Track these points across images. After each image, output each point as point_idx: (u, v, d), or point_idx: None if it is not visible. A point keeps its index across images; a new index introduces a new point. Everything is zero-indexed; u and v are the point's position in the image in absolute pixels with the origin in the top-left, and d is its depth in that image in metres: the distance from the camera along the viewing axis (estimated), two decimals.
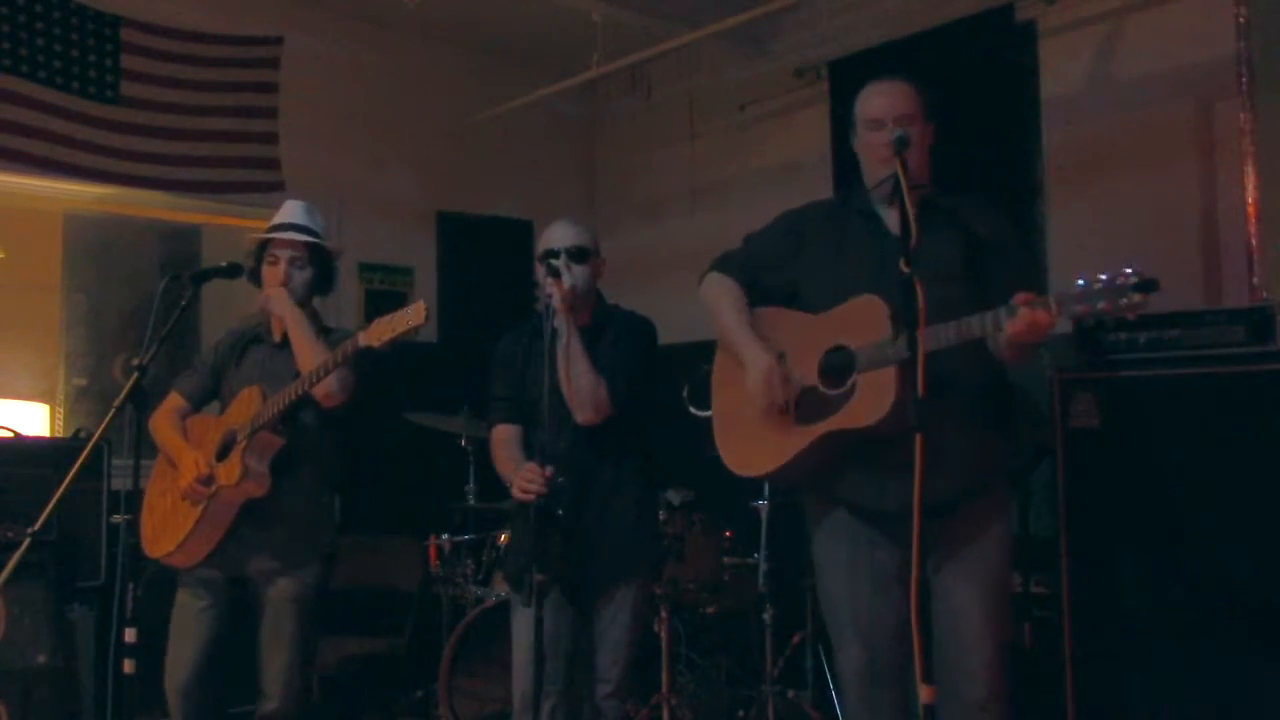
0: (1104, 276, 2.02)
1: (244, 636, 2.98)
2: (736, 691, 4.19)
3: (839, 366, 2.43)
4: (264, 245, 3.08)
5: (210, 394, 3.16)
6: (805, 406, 2.47)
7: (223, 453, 2.94)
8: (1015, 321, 2.15)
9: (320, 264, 3.12)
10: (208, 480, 2.90)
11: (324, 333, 3.09)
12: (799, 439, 2.47)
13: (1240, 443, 3.05)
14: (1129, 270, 1.99)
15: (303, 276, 3.07)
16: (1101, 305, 2.03)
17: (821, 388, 2.45)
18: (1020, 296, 2.15)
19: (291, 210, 3.14)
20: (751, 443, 2.58)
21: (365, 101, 5.50)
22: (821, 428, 2.42)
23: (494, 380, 3.06)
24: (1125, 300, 1.99)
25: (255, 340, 3.14)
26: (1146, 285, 1.98)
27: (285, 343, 3.06)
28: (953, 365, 2.32)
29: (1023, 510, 3.72)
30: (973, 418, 2.44)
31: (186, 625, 2.95)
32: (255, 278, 3.12)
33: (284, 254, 3.05)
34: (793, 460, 2.48)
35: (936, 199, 2.53)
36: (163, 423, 3.09)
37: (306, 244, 3.07)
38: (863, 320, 2.38)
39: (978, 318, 2.22)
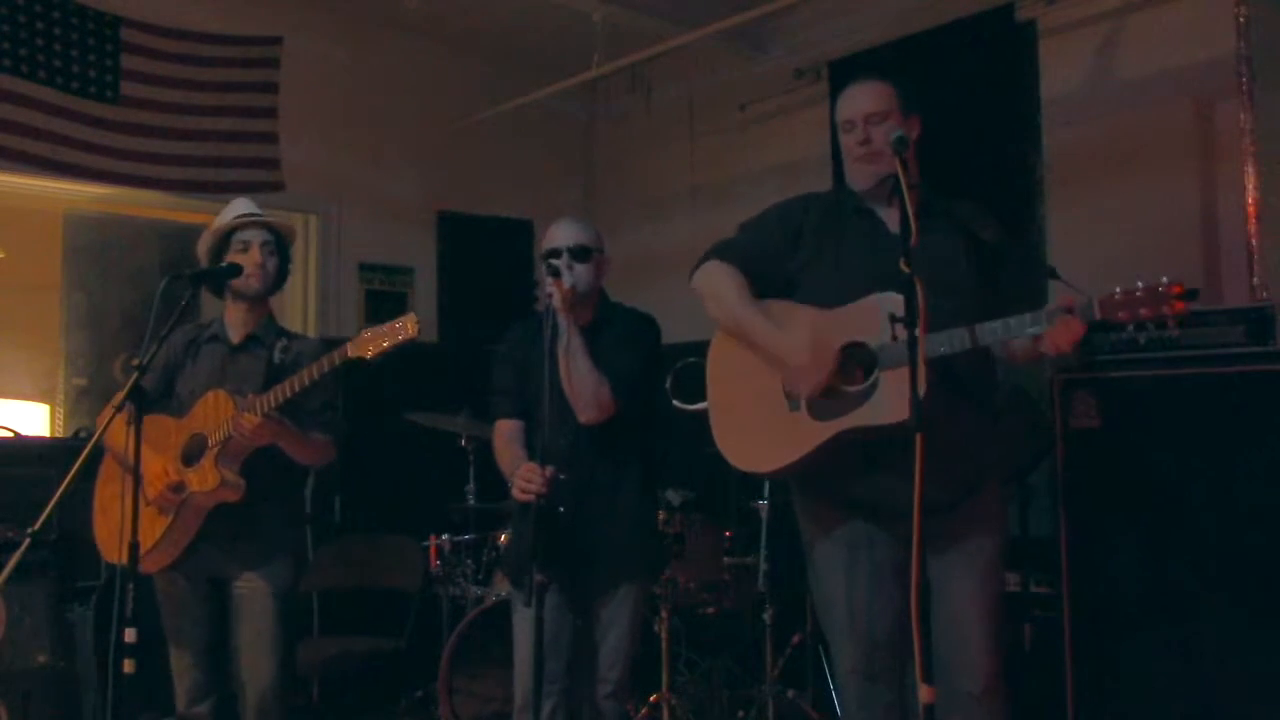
0: (1142, 284, 2.09)
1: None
2: (736, 691, 4.19)
3: (857, 363, 2.40)
4: (226, 239, 3.03)
5: (162, 394, 3.08)
6: (821, 401, 2.43)
7: (188, 458, 2.88)
8: (1061, 324, 2.17)
9: (281, 256, 3.09)
10: (178, 488, 2.86)
11: (282, 335, 3.08)
12: (816, 434, 2.42)
13: (1240, 443, 3.05)
14: (1166, 279, 2.07)
15: (273, 263, 3.05)
16: (1144, 311, 2.08)
17: (839, 383, 2.42)
18: (1062, 299, 2.17)
19: (246, 204, 3.13)
20: (758, 437, 2.55)
21: (365, 101, 5.50)
22: (841, 423, 2.39)
23: (497, 375, 3.06)
24: (1167, 307, 2.06)
25: (211, 340, 3.08)
26: (1189, 294, 2.07)
27: (245, 344, 3.04)
28: (957, 365, 2.32)
29: (1023, 510, 3.72)
30: (973, 418, 2.45)
31: (181, 642, 2.94)
32: (216, 284, 3.05)
33: (256, 238, 3.01)
34: (806, 456, 2.44)
35: (933, 201, 2.53)
36: (117, 426, 2.92)
37: (273, 232, 3.06)
38: (883, 318, 2.33)
39: (1016, 318, 2.22)
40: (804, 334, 2.44)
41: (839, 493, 2.51)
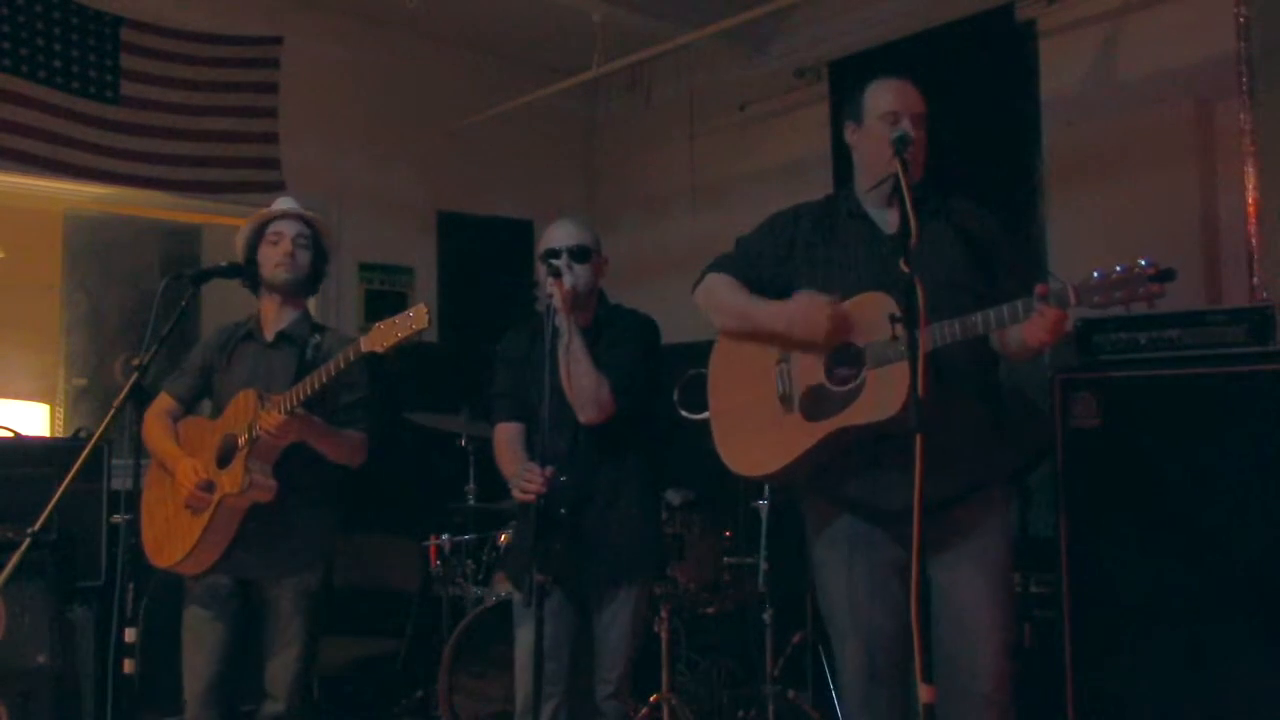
0: (1120, 268, 2.06)
1: (252, 639, 2.97)
2: (736, 691, 4.19)
3: (846, 363, 2.42)
4: (260, 231, 3.05)
5: (200, 394, 3.10)
6: (812, 403, 2.46)
7: (223, 459, 2.89)
8: (1041, 312, 2.15)
9: (317, 252, 3.10)
10: (208, 486, 2.85)
11: (316, 331, 3.08)
12: (807, 436, 2.45)
13: (1240, 443, 3.05)
14: (1143, 261, 2.03)
15: (306, 256, 3.05)
16: (1120, 295, 2.06)
17: (829, 384, 2.44)
18: (1040, 288, 2.16)
19: (287, 201, 3.14)
20: (755, 441, 2.57)
21: (365, 101, 5.50)
22: (831, 424, 2.41)
23: (497, 378, 3.06)
24: (1143, 289, 2.03)
25: (246, 338, 3.09)
26: (1164, 275, 2.03)
27: (277, 341, 3.04)
28: (956, 362, 2.32)
29: (1023, 510, 3.71)
30: (974, 415, 2.45)
31: (200, 639, 2.93)
32: (251, 278, 3.06)
33: (289, 229, 3.03)
34: (800, 458, 2.46)
35: (929, 199, 2.53)
36: (155, 428, 3.00)
37: (309, 225, 3.07)
38: (869, 318, 2.37)
39: (996, 309, 2.22)
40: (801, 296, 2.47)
41: (838, 492, 2.52)
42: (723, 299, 2.65)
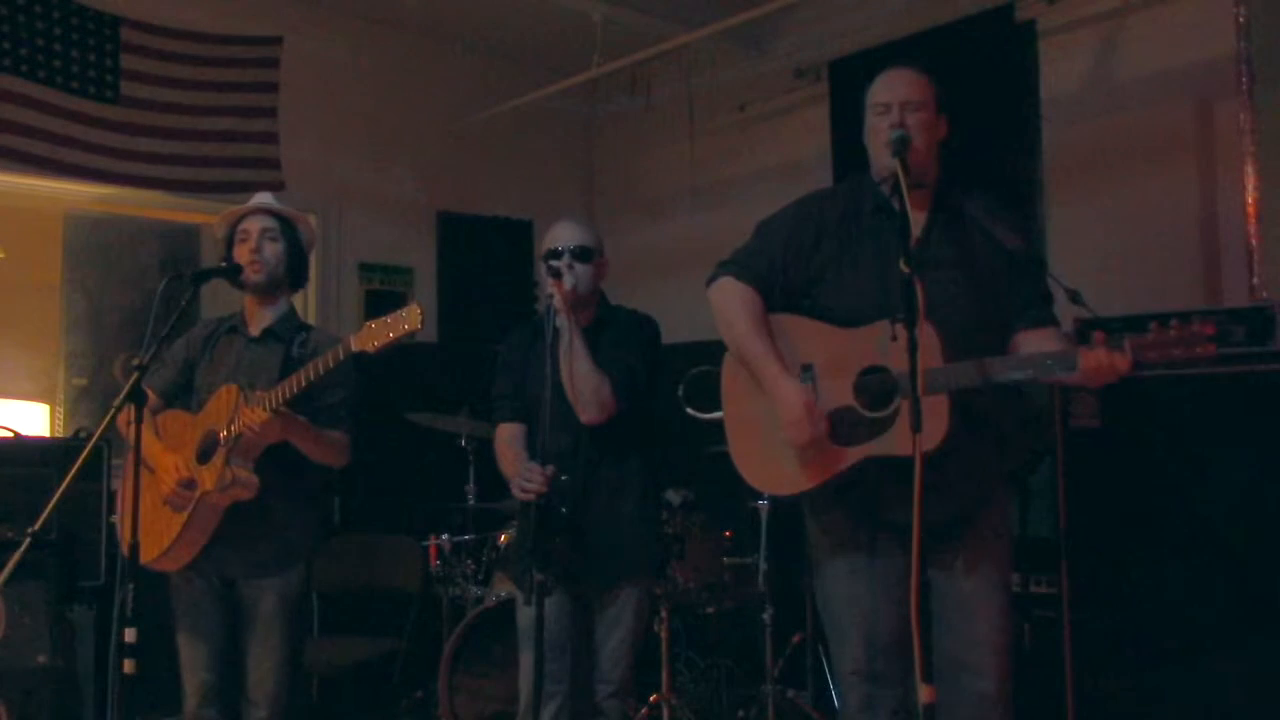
0: (1175, 323, 2.09)
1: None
2: (736, 691, 4.19)
3: (877, 386, 2.36)
4: (233, 231, 3.03)
5: (181, 389, 3.06)
6: (841, 425, 2.38)
7: (203, 455, 2.85)
8: (1089, 358, 2.17)
9: (291, 244, 3.05)
10: (190, 484, 2.82)
11: (302, 329, 3.06)
12: (838, 460, 2.38)
13: (1240, 442, 3.05)
14: (1198, 321, 2.07)
15: (275, 249, 3.00)
16: (1176, 352, 2.09)
17: (859, 408, 2.37)
18: (1097, 336, 2.17)
19: (259, 198, 3.13)
20: (778, 459, 2.48)
21: (365, 101, 5.50)
22: (864, 450, 2.34)
23: (498, 379, 3.05)
24: (1201, 349, 2.06)
25: (230, 332, 3.06)
26: (1221, 336, 2.08)
27: (263, 336, 3.01)
28: (979, 397, 2.31)
29: (1023, 510, 3.71)
30: (988, 433, 2.42)
31: (194, 641, 2.91)
32: (235, 277, 3.04)
33: (254, 226, 3.00)
34: (829, 482, 2.41)
35: (959, 202, 2.49)
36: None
37: (276, 219, 3.03)
38: (904, 342, 2.23)
39: (1040, 356, 2.23)
40: (800, 388, 2.41)
41: (842, 500, 2.49)
42: (733, 323, 2.54)
